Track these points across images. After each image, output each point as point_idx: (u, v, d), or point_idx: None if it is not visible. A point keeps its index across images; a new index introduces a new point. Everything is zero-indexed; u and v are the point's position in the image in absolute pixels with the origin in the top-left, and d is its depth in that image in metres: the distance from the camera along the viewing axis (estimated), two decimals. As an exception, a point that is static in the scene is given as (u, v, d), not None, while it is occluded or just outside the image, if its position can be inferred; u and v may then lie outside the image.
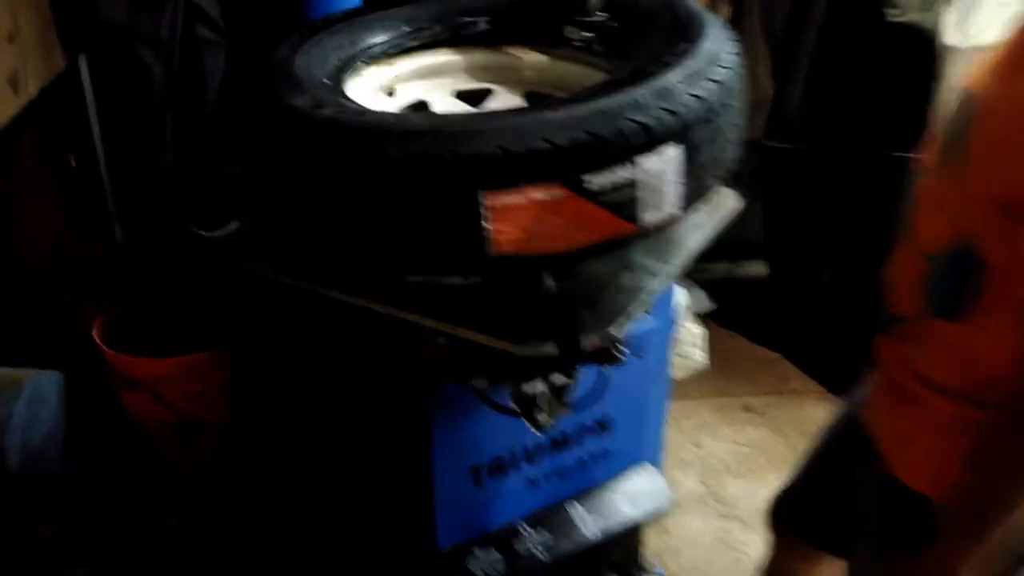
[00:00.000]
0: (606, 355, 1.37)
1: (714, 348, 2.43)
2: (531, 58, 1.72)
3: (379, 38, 1.65)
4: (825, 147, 2.48)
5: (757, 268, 2.81)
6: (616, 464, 1.78)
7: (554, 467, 1.70)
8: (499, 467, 1.63)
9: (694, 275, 2.28)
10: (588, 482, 1.76)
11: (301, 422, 1.95)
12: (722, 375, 2.29)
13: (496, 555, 1.65)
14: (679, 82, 1.26)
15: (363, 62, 1.61)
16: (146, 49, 1.94)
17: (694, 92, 1.26)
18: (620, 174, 1.20)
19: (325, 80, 1.44)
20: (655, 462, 1.87)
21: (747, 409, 2.51)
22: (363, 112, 1.26)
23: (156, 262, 2.14)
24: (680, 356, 2.24)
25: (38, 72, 1.84)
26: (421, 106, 1.64)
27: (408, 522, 1.67)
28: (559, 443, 1.68)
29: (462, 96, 1.68)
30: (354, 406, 1.72)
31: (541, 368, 1.43)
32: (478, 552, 1.64)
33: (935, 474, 1.22)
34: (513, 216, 1.18)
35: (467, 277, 1.28)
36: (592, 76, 1.62)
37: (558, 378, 1.47)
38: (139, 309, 2.16)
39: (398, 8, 1.72)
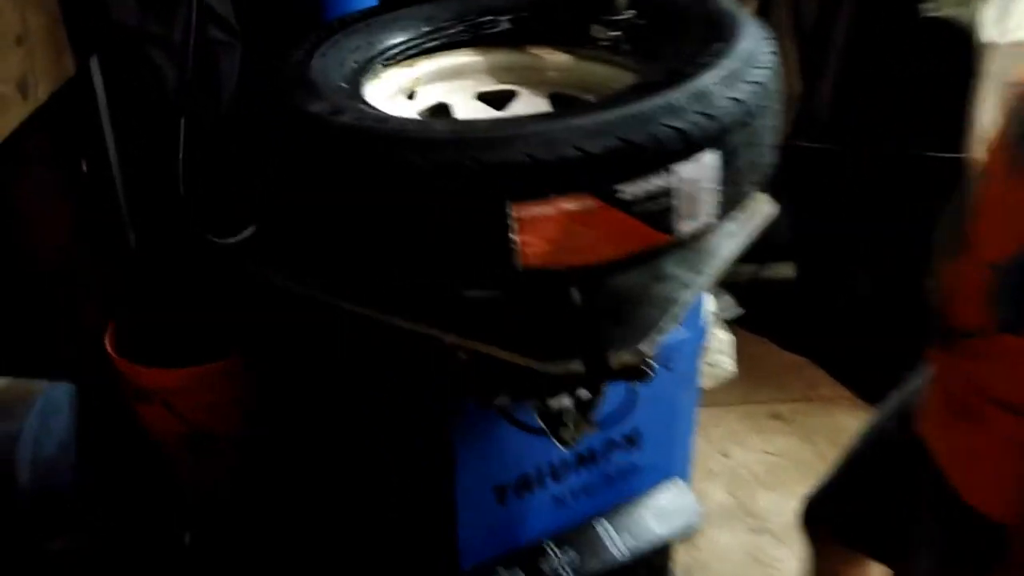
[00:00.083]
0: (636, 372, 1.31)
1: (740, 353, 2.36)
2: (555, 58, 1.65)
3: (398, 39, 1.59)
4: (856, 147, 2.41)
5: (785, 270, 2.74)
6: (645, 479, 1.72)
7: (581, 484, 1.64)
8: (524, 485, 1.57)
9: (720, 279, 2.21)
10: (616, 499, 1.70)
11: (319, 435, 1.90)
12: (749, 381, 2.22)
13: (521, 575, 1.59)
14: (716, 84, 1.20)
15: (381, 64, 1.55)
16: (158, 52, 1.89)
17: (732, 95, 1.20)
18: (655, 183, 1.13)
19: (342, 84, 1.38)
20: (684, 475, 1.81)
21: (775, 417, 2.44)
22: (384, 119, 1.20)
23: (170, 269, 2.09)
24: (709, 364, 2.17)
25: (48, 76, 1.79)
26: (442, 109, 1.58)
27: (430, 542, 1.62)
28: (586, 459, 1.62)
29: (484, 98, 1.62)
30: (374, 421, 1.66)
31: (567, 384, 1.37)
32: (503, 572, 1.58)
33: (1004, 496, 1.15)
34: (542, 228, 1.12)
35: (492, 291, 1.22)
36: (620, 77, 1.56)
37: (585, 392, 1.42)
38: (152, 317, 2.11)
39: (417, 7, 1.66)
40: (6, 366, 1.95)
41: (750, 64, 1.26)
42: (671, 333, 1.46)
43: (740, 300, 2.51)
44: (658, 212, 1.15)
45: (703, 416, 1.88)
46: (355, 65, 1.47)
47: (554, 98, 1.61)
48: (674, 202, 1.16)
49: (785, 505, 2.16)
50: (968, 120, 2.14)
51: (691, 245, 1.28)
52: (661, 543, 1.70)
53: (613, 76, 1.57)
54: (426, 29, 1.62)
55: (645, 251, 1.19)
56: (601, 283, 1.24)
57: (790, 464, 2.28)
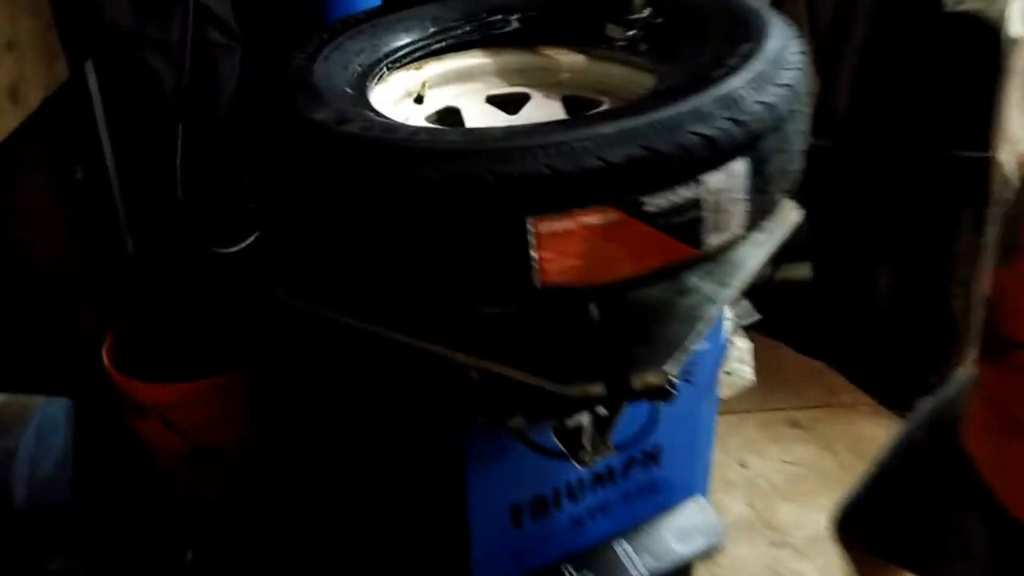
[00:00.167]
0: (659, 392, 1.24)
1: (756, 358, 2.28)
2: (568, 59, 1.58)
3: (404, 41, 1.52)
4: (874, 146, 2.33)
5: (801, 271, 2.66)
6: (665, 497, 1.65)
7: (599, 503, 1.58)
8: (540, 505, 1.50)
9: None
10: (635, 518, 1.63)
11: (323, 451, 1.83)
12: (766, 388, 2.14)
13: (537, 600, 1.53)
14: (744, 88, 1.13)
15: (387, 67, 1.48)
16: (154, 55, 1.81)
17: (761, 99, 1.13)
18: (682, 194, 1.07)
19: (347, 89, 1.31)
20: (702, 489, 1.74)
21: (794, 424, 2.37)
22: (392, 127, 1.13)
23: (168, 280, 2.02)
24: (727, 373, 2.10)
25: (39, 82, 1.72)
26: (451, 113, 1.52)
27: (443, 565, 1.55)
28: (604, 477, 1.55)
29: (495, 101, 1.55)
30: (381, 440, 1.59)
31: (585, 404, 1.30)
32: (518, 597, 1.52)
33: None
34: (562, 243, 1.05)
35: (509, 309, 1.15)
36: (637, 78, 1.49)
37: (603, 409, 1.35)
38: (150, 329, 2.04)
39: (423, 7, 1.59)
40: (1, 380, 1.89)
41: (779, 65, 1.19)
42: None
43: (754, 303, 2.44)
44: (685, 225, 1.09)
45: (719, 424, 1.82)
46: (360, 69, 1.40)
47: (568, 101, 1.54)
48: (702, 214, 1.09)
49: (806, 517, 2.10)
50: (994, 119, 2.07)
51: (718, 257, 1.21)
52: (683, 564, 1.63)
53: (630, 77, 1.50)
54: (433, 30, 1.56)
55: (671, 267, 1.12)
56: (624, 299, 1.17)
57: (810, 474, 2.21)
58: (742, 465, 2.25)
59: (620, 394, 1.16)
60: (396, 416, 1.51)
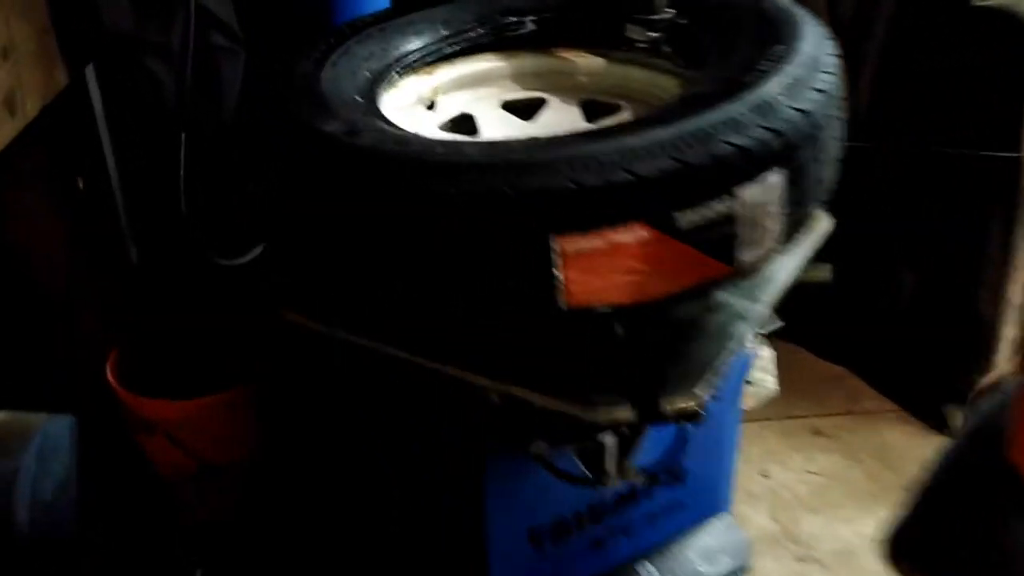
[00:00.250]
0: (688, 414, 1.18)
1: (776, 364, 2.22)
2: (586, 61, 1.52)
3: (415, 44, 1.46)
4: (897, 144, 2.26)
5: (821, 273, 2.58)
6: (690, 516, 1.59)
7: (621, 524, 1.52)
8: (561, 528, 1.44)
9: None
10: (659, 538, 1.57)
11: (335, 470, 1.77)
12: (787, 394, 2.08)
13: (559, 625, 1.47)
14: (779, 94, 1.06)
15: (398, 72, 1.42)
16: (155, 60, 1.75)
17: (797, 105, 1.07)
18: (716, 208, 1.00)
19: (357, 97, 1.25)
20: (726, 504, 1.68)
21: (816, 432, 2.30)
22: (406, 139, 1.07)
23: (173, 292, 1.96)
24: (749, 383, 2.04)
25: (37, 90, 1.66)
26: (465, 120, 1.45)
27: (460, 591, 1.49)
28: (627, 497, 1.49)
29: (510, 107, 1.49)
30: (396, 462, 1.53)
31: (611, 427, 1.24)
32: (540, 623, 1.46)
33: None
34: (589, 263, 0.99)
35: (532, 331, 1.09)
36: (660, 82, 1.43)
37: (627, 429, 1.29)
38: (155, 343, 1.98)
39: (434, 9, 1.52)
40: (2, 396, 1.84)
41: (814, 69, 1.13)
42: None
43: (773, 307, 2.38)
44: (718, 241, 1.03)
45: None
46: (369, 75, 1.34)
47: (586, 105, 1.48)
48: (736, 229, 1.03)
49: (831, 530, 2.03)
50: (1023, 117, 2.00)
51: (750, 274, 1.15)
52: (709, 586, 1.57)
53: (652, 81, 1.44)
54: (445, 33, 1.49)
55: (703, 286, 1.06)
56: (651, 319, 1.11)
57: (834, 484, 2.15)
58: (764, 475, 2.19)
59: (650, 419, 1.10)
60: (410, 438, 1.45)
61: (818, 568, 1.95)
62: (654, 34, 1.41)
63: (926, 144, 2.23)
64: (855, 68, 2.31)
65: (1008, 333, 2.21)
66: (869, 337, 2.43)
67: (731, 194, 1.00)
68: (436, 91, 1.47)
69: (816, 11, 2.24)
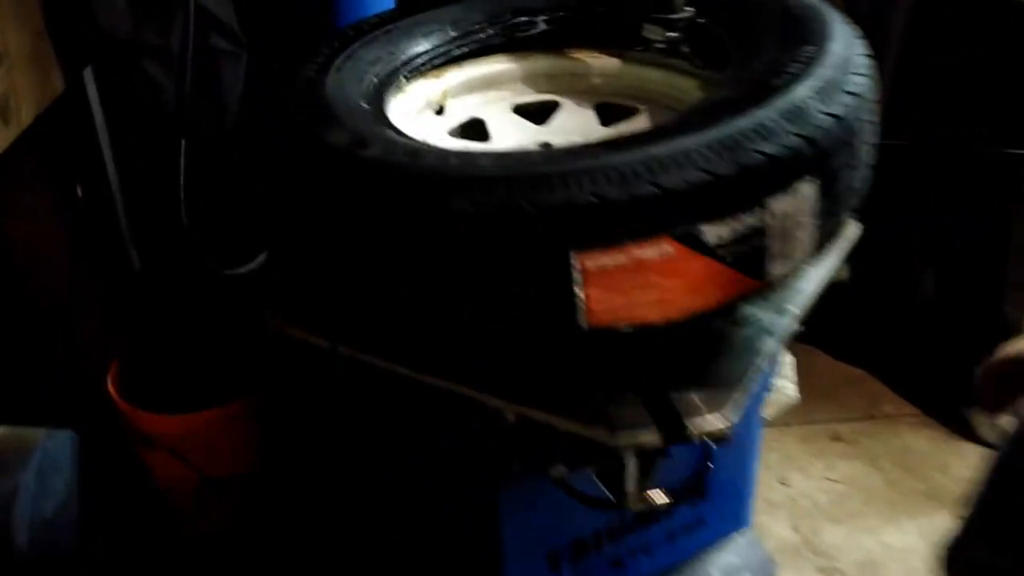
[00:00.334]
0: (717, 436, 1.12)
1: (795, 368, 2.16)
2: (600, 62, 1.46)
3: (422, 47, 1.40)
4: (916, 141, 2.20)
5: (838, 272, 2.52)
6: (711, 533, 1.54)
7: (641, 543, 1.46)
8: (580, 549, 1.39)
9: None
10: (681, 556, 1.52)
11: (341, 488, 1.72)
12: (805, 398, 2.02)
13: (578, 649, 1.41)
14: (811, 98, 1.00)
15: (405, 76, 1.36)
16: (155, 64, 1.70)
17: (830, 110, 1.01)
18: (745, 221, 0.95)
19: (363, 104, 1.19)
20: (749, 521, 1.63)
21: (836, 438, 2.24)
22: (416, 150, 1.01)
23: (175, 302, 1.91)
24: (769, 391, 1.98)
25: (32, 97, 1.61)
26: (476, 125, 1.40)
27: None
28: (647, 516, 1.44)
29: (522, 111, 1.43)
30: (407, 481, 1.48)
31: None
32: (557, 647, 1.40)
33: None
34: (611, 280, 0.93)
35: (551, 351, 1.04)
36: (679, 83, 1.37)
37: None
38: (157, 355, 1.93)
39: (441, 9, 1.46)
40: (0, 408, 1.79)
41: (846, 70, 1.07)
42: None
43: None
44: (748, 255, 0.97)
45: (758, 440, 1.71)
46: (376, 80, 1.28)
47: (602, 108, 1.42)
48: (766, 242, 0.97)
49: (854, 541, 1.97)
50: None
51: (780, 287, 1.09)
52: (732, 604, 1.52)
53: (671, 83, 1.38)
54: (453, 34, 1.44)
55: (730, 302, 1.00)
56: (676, 338, 1.05)
57: (856, 492, 2.09)
58: (783, 483, 2.13)
59: (676, 442, 1.05)
60: (422, 457, 1.40)
61: (841, 580, 1.90)
62: (672, 34, 1.35)
63: (947, 140, 2.17)
64: (874, 61, 2.25)
65: (1033, 333, 2.15)
66: (888, 338, 2.37)
67: (761, 206, 0.95)
68: (445, 95, 1.42)
69: (832, 3, 2.20)
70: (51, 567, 1.71)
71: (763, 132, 0.95)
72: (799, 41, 1.11)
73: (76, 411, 1.85)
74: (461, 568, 1.43)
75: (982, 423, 2.19)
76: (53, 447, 1.77)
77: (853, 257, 2.51)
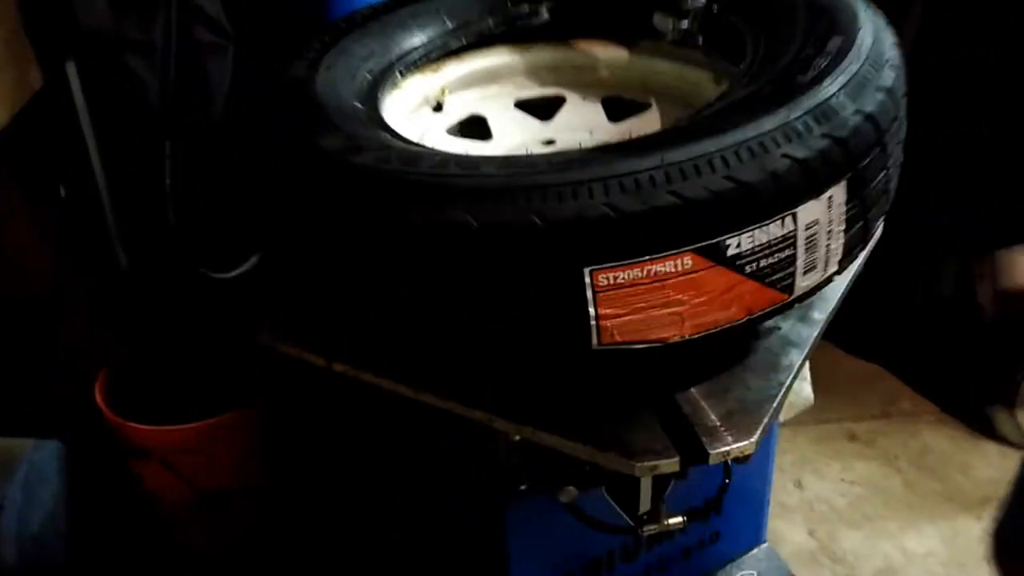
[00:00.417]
0: (739, 459, 1.05)
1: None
2: (607, 53, 1.38)
3: (418, 39, 1.32)
4: (936, 132, 2.12)
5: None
6: (728, 548, 1.47)
7: (656, 560, 1.39)
8: (592, 571, 1.32)
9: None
10: (696, 573, 1.44)
11: (343, 503, 1.65)
12: (819, 396, 1.95)
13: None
14: (841, 95, 0.92)
15: (400, 71, 1.28)
16: (137, 59, 1.61)
17: (861, 108, 0.93)
18: (772, 232, 0.87)
19: (357, 104, 1.11)
20: (765, 536, 1.56)
21: (852, 438, 2.17)
22: (414, 157, 0.93)
23: (165, 306, 1.83)
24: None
25: (7, 97, 1.53)
26: (476, 122, 1.32)
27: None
28: (662, 533, 1.36)
29: (525, 106, 1.36)
30: (410, 499, 1.41)
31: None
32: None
33: None
34: (627, 298, 0.86)
35: (562, 372, 0.96)
36: (691, 75, 1.30)
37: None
38: (148, 361, 1.85)
39: (437, -3, 1.38)
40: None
41: (877, 64, 0.99)
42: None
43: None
44: (774, 268, 0.89)
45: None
46: (370, 76, 1.20)
47: (609, 103, 1.34)
48: (794, 253, 0.89)
49: (872, 546, 1.91)
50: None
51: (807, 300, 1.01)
52: (750, 622, 1.45)
53: (682, 75, 1.30)
54: (451, 25, 1.35)
55: (754, 319, 0.92)
56: (695, 356, 0.98)
57: (873, 495, 2.02)
58: (798, 486, 2.06)
59: (695, 464, 0.97)
60: (426, 476, 1.33)
61: (861, 589, 1.83)
62: (684, 23, 1.27)
63: (967, 133, 2.09)
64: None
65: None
66: (904, 333, 2.30)
67: (789, 215, 0.87)
68: (443, 91, 1.34)
69: None
70: (40, 583, 1.65)
71: (791, 134, 0.87)
72: (825, 32, 1.02)
73: (63, 420, 1.78)
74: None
75: (1004, 421, 2.12)
76: (39, 459, 1.70)
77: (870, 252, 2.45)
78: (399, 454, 1.38)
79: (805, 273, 0.92)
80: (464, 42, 1.36)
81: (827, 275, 0.96)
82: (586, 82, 1.37)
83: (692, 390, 1.01)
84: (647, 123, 1.29)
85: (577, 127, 1.30)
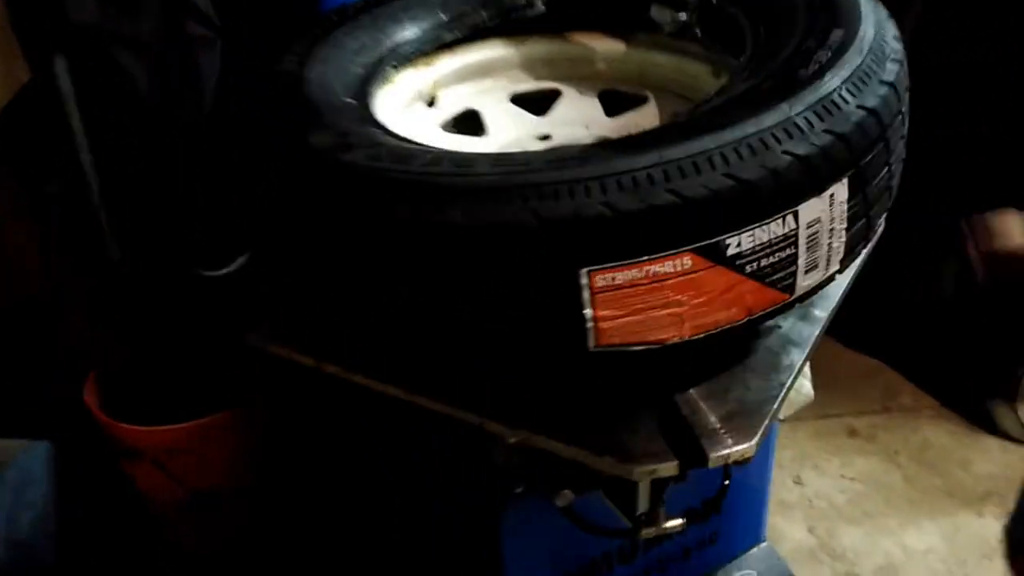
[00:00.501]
0: (739, 461, 1.03)
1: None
2: (604, 46, 1.36)
3: (411, 32, 1.29)
4: (938, 131, 2.10)
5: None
6: (728, 547, 1.45)
7: (654, 561, 1.37)
8: (590, 572, 1.30)
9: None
10: (695, 573, 1.43)
11: (338, 504, 1.63)
12: (819, 391, 1.93)
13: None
14: (843, 90, 0.90)
15: (393, 65, 1.25)
16: (125, 53, 1.59)
17: (864, 103, 0.90)
18: (773, 231, 0.85)
19: (348, 99, 1.09)
20: (765, 535, 1.54)
21: (852, 433, 2.15)
22: (405, 154, 0.90)
23: (158, 302, 1.80)
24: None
25: (-6, 91, 1.51)
26: (471, 117, 1.29)
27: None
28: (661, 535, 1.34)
29: (520, 100, 1.33)
30: (406, 500, 1.39)
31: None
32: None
33: None
34: (624, 299, 0.83)
35: (558, 374, 0.94)
36: (689, 68, 1.27)
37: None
38: (141, 359, 1.83)
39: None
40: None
41: (880, 58, 0.96)
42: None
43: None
44: (774, 267, 0.87)
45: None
46: (361, 71, 1.18)
47: (606, 96, 1.32)
48: (795, 252, 0.87)
49: (872, 543, 1.89)
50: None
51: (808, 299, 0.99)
52: (750, 623, 1.43)
53: (680, 68, 1.28)
54: (444, 17, 1.33)
55: (754, 319, 0.90)
56: (693, 358, 0.96)
57: (874, 491, 2.00)
58: (797, 482, 2.04)
59: (694, 467, 0.95)
60: (422, 476, 1.31)
61: (862, 586, 1.82)
62: (682, 15, 1.25)
63: (967, 133, 2.07)
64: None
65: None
66: (905, 328, 2.28)
67: (790, 213, 0.85)
68: (436, 85, 1.32)
69: None
70: (29, 587, 1.63)
71: (792, 130, 0.85)
72: (826, 24, 1.00)
73: (54, 419, 1.76)
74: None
75: (1005, 416, 2.10)
76: (28, 461, 1.69)
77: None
78: (396, 455, 1.36)
79: (806, 272, 0.90)
80: (458, 35, 1.33)
81: (829, 274, 0.94)
82: (582, 75, 1.35)
83: (691, 391, 0.99)
84: (645, 117, 1.26)
85: (573, 121, 1.27)
